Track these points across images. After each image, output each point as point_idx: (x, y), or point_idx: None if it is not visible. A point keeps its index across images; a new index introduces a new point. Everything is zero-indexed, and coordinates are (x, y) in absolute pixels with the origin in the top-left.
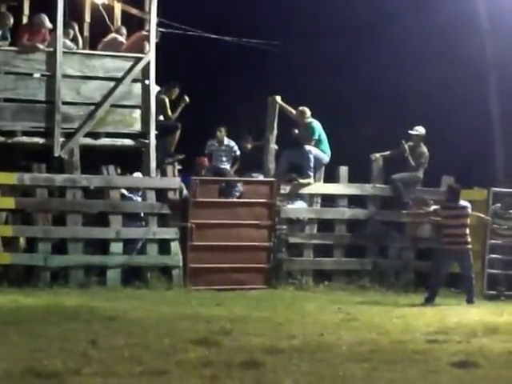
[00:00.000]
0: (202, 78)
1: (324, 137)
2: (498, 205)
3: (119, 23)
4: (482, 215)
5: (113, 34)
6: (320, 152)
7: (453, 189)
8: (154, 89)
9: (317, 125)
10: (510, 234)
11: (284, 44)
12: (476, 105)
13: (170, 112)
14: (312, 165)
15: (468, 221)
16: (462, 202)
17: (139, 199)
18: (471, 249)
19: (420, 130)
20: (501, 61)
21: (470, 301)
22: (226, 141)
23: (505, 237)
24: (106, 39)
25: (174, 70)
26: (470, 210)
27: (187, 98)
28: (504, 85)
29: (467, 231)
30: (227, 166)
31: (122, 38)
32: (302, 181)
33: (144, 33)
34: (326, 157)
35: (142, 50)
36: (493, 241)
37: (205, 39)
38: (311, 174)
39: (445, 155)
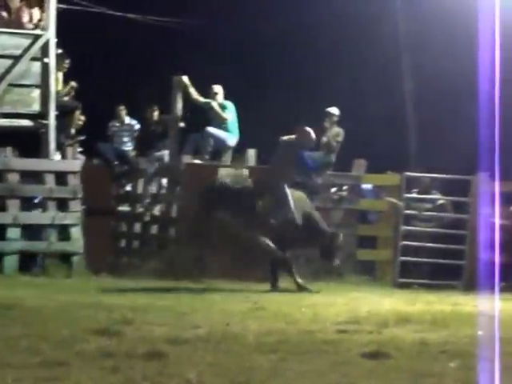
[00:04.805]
0: (103, 56)
1: (234, 118)
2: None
3: None
4: (394, 200)
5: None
6: (224, 133)
7: None
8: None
9: (228, 105)
10: (427, 217)
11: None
12: (389, 85)
13: (61, 86)
14: (210, 148)
15: None
16: None
17: None
18: None
19: (333, 110)
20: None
21: None
22: (128, 119)
23: (422, 221)
24: None
25: (75, 47)
26: None
27: (74, 83)
28: (415, 69)
29: None
30: (130, 148)
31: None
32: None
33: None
34: (232, 138)
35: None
36: (405, 227)
37: (109, 16)
38: (207, 156)
39: (359, 140)
